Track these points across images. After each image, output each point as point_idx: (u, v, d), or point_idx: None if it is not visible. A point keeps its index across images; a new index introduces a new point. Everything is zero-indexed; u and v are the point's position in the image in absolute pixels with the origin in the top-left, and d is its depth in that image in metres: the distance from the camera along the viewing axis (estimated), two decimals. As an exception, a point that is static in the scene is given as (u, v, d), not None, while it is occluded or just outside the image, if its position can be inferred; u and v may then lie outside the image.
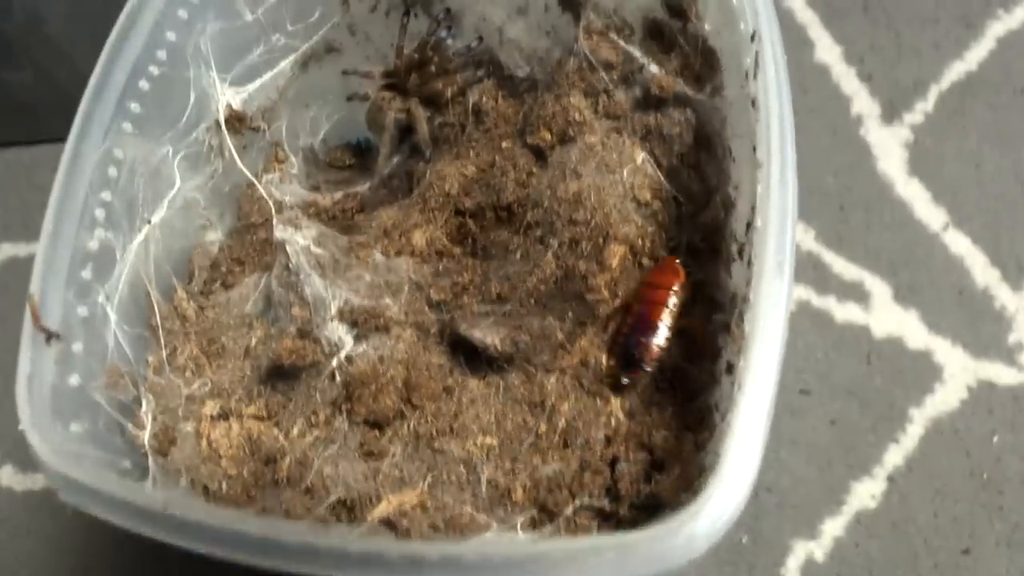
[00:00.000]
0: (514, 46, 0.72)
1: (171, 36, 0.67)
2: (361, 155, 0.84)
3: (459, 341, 0.62)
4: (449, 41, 0.73)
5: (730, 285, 0.60)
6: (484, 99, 0.72)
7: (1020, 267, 0.90)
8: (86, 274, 0.63)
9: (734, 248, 0.59)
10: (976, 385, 0.85)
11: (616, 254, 0.64)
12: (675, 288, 0.57)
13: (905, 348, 0.87)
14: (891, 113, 0.99)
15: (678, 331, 0.61)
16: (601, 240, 0.64)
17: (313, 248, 0.63)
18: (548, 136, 0.67)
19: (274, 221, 0.66)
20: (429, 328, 0.64)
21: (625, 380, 0.57)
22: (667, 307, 0.57)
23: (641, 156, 0.66)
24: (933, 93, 1.00)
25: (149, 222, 0.67)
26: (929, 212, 0.93)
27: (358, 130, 0.83)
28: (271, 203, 0.71)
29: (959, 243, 0.91)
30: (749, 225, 0.55)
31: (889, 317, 0.88)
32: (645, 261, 0.65)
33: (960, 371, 0.86)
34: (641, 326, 0.57)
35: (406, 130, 0.75)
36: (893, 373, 0.86)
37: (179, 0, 0.68)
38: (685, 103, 0.66)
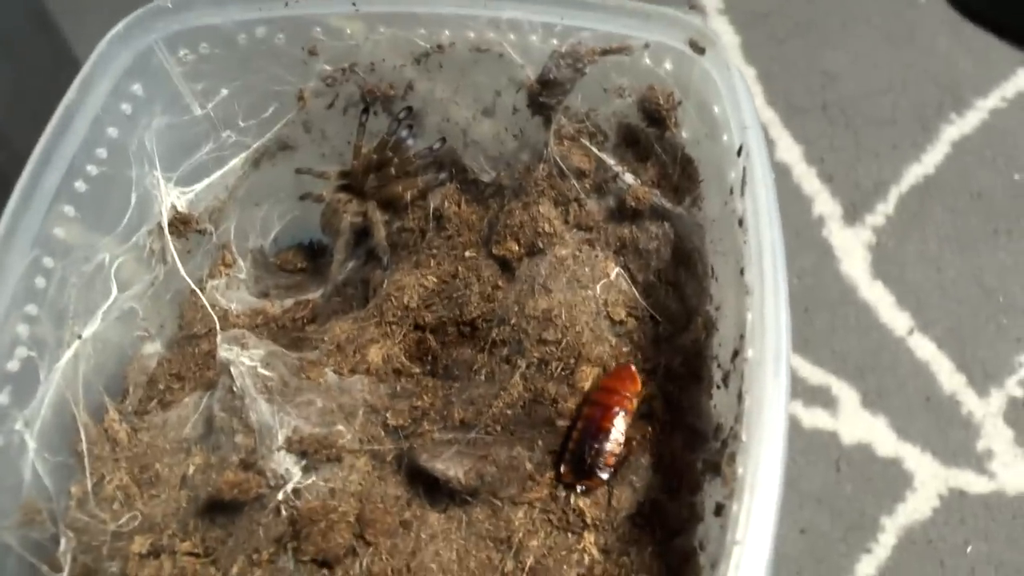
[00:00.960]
0: (479, 149, 0.67)
1: (112, 132, 0.60)
2: (313, 258, 0.77)
3: (419, 471, 0.56)
4: (410, 141, 0.67)
5: (713, 414, 0.55)
6: (446, 204, 0.67)
7: (986, 373, 0.87)
8: (2, 399, 0.55)
9: (718, 375, 0.54)
10: (948, 493, 0.82)
11: (588, 376, 0.59)
12: (629, 394, 0.54)
13: (875, 455, 0.84)
14: (852, 215, 0.97)
15: (656, 462, 0.56)
16: (573, 361, 0.59)
17: (260, 370, 0.56)
18: (515, 247, 0.62)
19: (218, 339, 0.58)
20: (385, 456, 0.57)
21: (581, 488, 0.53)
22: (622, 413, 0.53)
23: (615, 271, 0.61)
24: (893, 195, 0.98)
25: (79, 337, 0.59)
26: (894, 316, 0.91)
27: (311, 231, 0.76)
28: (215, 315, 0.63)
29: (925, 348, 0.89)
30: (736, 353, 0.50)
31: (858, 423, 0.85)
32: (619, 383, 0.57)
33: (931, 479, 0.82)
34: (595, 431, 0.53)
35: (362, 234, 0.69)
36: (863, 480, 0.83)
37: (123, 92, 0.61)
38: (663, 216, 0.61)
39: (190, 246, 0.69)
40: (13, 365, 0.56)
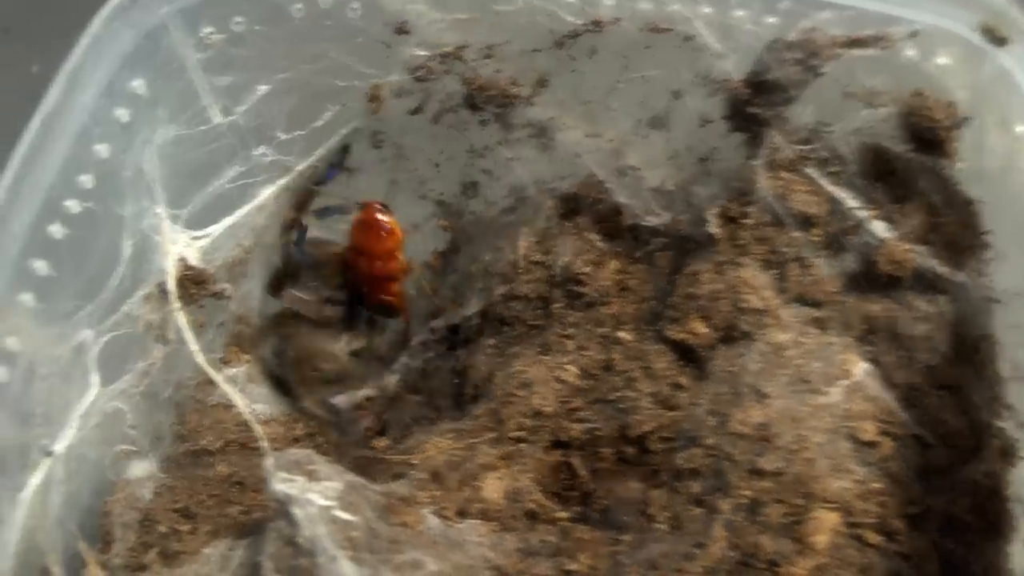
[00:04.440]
0: (640, 177, 0.68)
1: (101, 150, 0.63)
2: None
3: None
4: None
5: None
6: (580, 261, 0.68)
7: None
8: None
9: (1026, 525, 0.52)
10: None
11: (824, 526, 0.59)
12: None
13: None
14: None
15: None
16: (800, 502, 0.60)
17: (339, 513, 0.57)
18: (703, 328, 0.63)
19: (268, 464, 0.59)
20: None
21: None
22: None
23: (861, 368, 0.62)
24: None
25: (49, 454, 0.61)
26: None
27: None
28: (256, 424, 0.65)
29: None
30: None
31: None
32: (871, 538, 0.60)
33: None
34: None
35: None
36: None
37: (118, 91, 0.63)
38: (933, 286, 0.62)
39: (202, 317, 0.70)
40: (-38, 502, 0.55)
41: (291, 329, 0.75)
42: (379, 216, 0.69)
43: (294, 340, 0.76)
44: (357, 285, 0.73)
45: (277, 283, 0.72)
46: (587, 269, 0.68)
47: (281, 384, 0.74)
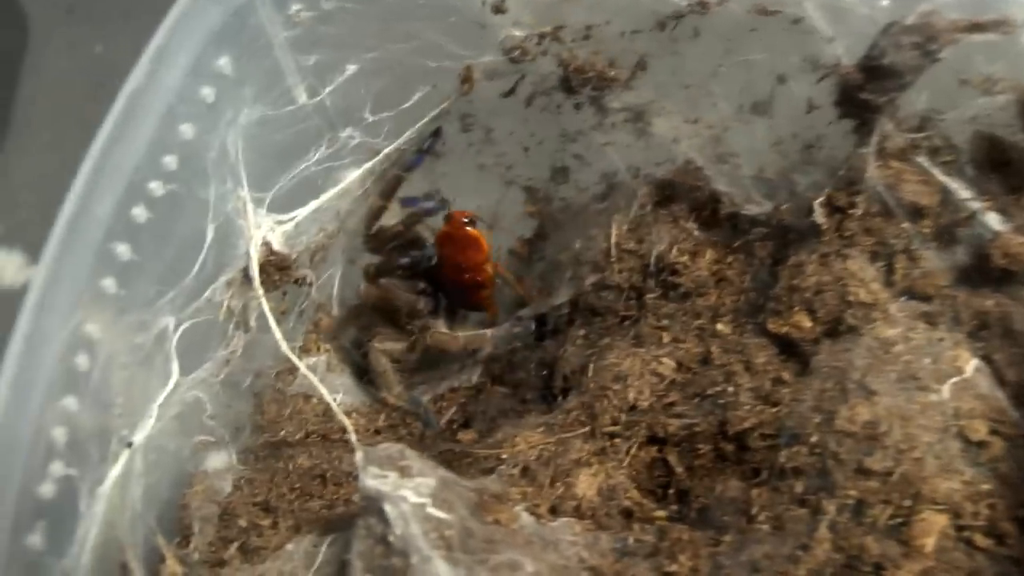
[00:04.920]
0: (740, 165, 0.67)
1: (186, 131, 0.62)
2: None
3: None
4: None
5: None
6: (675, 250, 0.67)
7: None
8: (34, 540, 0.57)
9: None
10: None
11: (932, 529, 0.58)
12: None
13: None
14: None
15: None
16: (907, 504, 0.58)
17: (432, 511, 0.56)
18: (808, 322, 0.62)
19: (358, 458, 0.58)
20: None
21: None
22: None
23: (972, 364, 0.61)
24: None
25: (129, 445, 0.61)
26: None
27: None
28: (342, 416, 0.63)
29: None
30: None
31: None
32: (979, 541, 0.59)
33: None
34: None
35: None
36: None
37: (204, 70, 0.62)
38: (1049, 282, 0.59)
39: (284, 304, 0.70)
40: (47, 489, 0.58)
41: (368, 319, 0.75)
42: (467, 230, 0.69)
43: (373, 331, 0.75)
44: (446, 290, 0.74)
45: (377, 272, 0.72)
46: (683, 258, 0.67)
47: (362, 374, 0.74)
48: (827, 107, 0.63)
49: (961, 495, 0.58)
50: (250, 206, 0.65)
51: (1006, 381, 0.61)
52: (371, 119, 0.68)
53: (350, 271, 0.74)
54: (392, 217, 0.73)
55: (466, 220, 0.71)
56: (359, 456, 0.59)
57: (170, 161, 0.61)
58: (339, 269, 0.73)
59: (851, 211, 0.63)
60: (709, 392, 0.64)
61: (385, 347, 0.73)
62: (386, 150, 0.69)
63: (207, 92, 0.62)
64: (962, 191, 0.63)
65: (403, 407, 0.70)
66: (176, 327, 0.63)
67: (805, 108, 0.64)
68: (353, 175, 0.69)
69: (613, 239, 0.67)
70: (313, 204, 0.68)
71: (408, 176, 0.70)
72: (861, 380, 0.60)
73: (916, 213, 0.63)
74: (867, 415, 0.59)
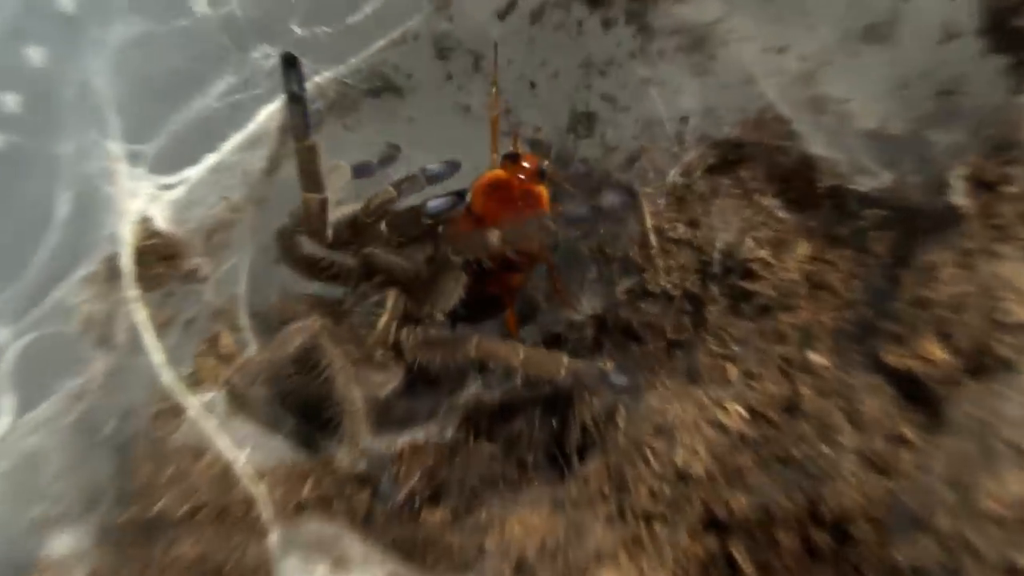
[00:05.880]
0: (848, 119, 0.55)
1: (33, 54, 0.52)
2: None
3: None
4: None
5: None
6: (751, 241, 0.56)
7: None
8: None
9: None
10: None
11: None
12: None
13: None
14: None
15: None
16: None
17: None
18: (940, 352, 0.51)
19: (272, 544, 0.49)
20: None
21: None
22: None
23: None
24: None
25: None
26: None
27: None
28: (248, 475, 0.53)
29: None
30: None
31: None
32: None
33: None
34: None
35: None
36: None
37: None
38: None
39: (168, 310, 0.57)
40: None
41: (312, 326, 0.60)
42: (531, 185, 0.58)
43: (320, 351, 0.61)
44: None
45: (350, 233, 0.61)
46: (762, 253, 0.57)
47: (288, 414, 0.62)
48: (969, 36, 0.53)
49: None
50: (122, 165, 0.54)
51: None
52: (299, 34, 0.56)
53: (264, 261, 0.62)
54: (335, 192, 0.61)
55: (537, 168, 0.60)
56: (273, 539, 0.50)
57: (9, 101, 0.51)
58: (247, 257, 0.61)
59: (1005, 188, 0.53)
60: (795, 455, 0.53)
61: (368, 378, 0.61)
62: (317, 79, 0.57)
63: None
64: None
65: (351, 469, 0.58)
66: (9, 343, 0.53)
67: (939, 37, 0.53)
68: (267, 112, 0.57)
69: (650, 222, 0.56)
70: (211, 158, 0.56)
71: (317, 140, 0.58)
72: (1015, 440, 0.50)
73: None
74: (1021, 491, 0.50)
